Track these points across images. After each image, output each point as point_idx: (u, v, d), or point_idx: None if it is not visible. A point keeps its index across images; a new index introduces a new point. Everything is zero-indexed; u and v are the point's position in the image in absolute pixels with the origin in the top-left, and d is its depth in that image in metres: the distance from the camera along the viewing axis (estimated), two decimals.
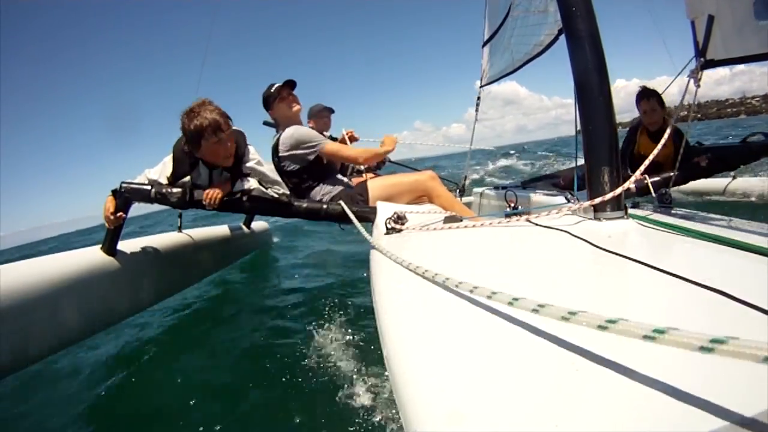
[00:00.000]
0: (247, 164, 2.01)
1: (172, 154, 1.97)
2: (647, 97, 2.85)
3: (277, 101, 2.29)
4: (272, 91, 2.30)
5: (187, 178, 1.97)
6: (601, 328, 0.40)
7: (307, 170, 2.20)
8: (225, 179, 1.98)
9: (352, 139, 2.81)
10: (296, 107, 2.32)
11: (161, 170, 1.98)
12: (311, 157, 2.17)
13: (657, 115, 2.86)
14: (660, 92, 2.83)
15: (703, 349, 0.32)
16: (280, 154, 2.21)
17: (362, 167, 2.77)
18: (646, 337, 0.36)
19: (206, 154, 1.90)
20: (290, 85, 2.33)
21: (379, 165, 3.09)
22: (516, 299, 0.50)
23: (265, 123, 2.44)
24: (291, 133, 2.18)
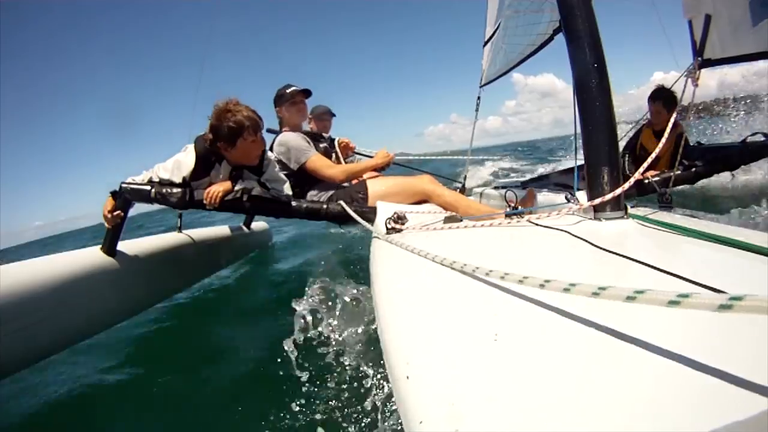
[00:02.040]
0: (267, 165, 2.05)
1: (194, 153, 1.94)
2: (655, 99, 2.94)
3: (289, 103, 2.38)
4: (287, 92, 2.38)
5: (207, 179, 1.97)
6: (630, 299, 0.42)
7: (295, 176, 2.25)
8: (225, 181, 1.97)
9: (348, 148, 2.79)
10: (302, 115, 2.42)
11: (174, 168, 1.94)
12: (295, 167, 2.23)
13: (662, 117, 2.93)
14: (673, 92, 2.85)
15: (722, 307, 0.35)
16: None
17: None
18: (671, 303, 0.39)
19: (238, 153, 1.90)
20: (305, 93, 2.41)
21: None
22: (548, 281, 0.52)
23: (269, 130, 2.46)
24: (283, 140, 2.26)
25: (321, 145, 2.54)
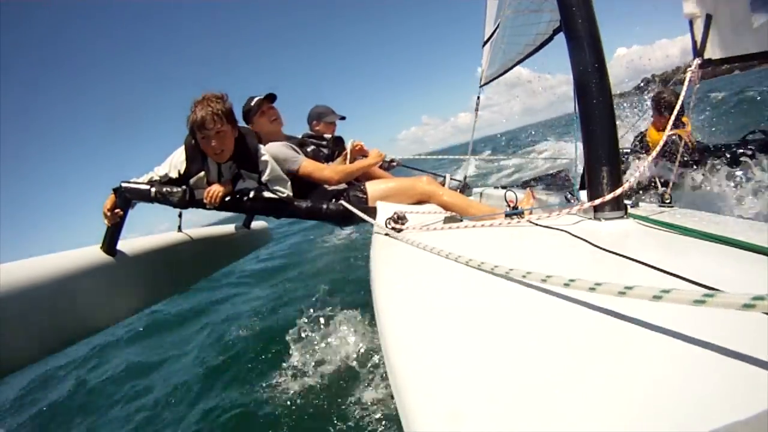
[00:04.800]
0: (261, 159, 2.01)
1: (183, 150, 1.96)
2: (654, 106, 3.09)
3: (258, 115, 2.30)
4: (252, 105, 2.30)
5: (202, 174, 1.96)
6: (656, 298, 0.43)
7: (292, 182, 2.19)
8: (225, 181, 1.97)
9: (361, 152, 2.70)
10: (276, 121, 2.33)
11: (170, 164, 1.96)
12: (288, 178, 2.17)
13: (656, 119, 3.08)
14: (671, 100, 2.90)
15: (746, 306, 0.36)
16: None
17: None
18: (696, 302, 0.39)
19: (204, 149, 1.90)
20: (270, 98, 2.33)
21: (389, 167, 3.08)
22: (573, 280, 0.52)
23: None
24: (268, 152, 2.19)
25: (309, 149, 2.50)
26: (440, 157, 4.29)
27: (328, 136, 2.72)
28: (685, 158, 2.69)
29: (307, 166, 2.20)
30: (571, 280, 0.52)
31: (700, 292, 0.39)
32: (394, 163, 3.16)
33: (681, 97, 1.54)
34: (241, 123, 2.37)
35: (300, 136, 2.66)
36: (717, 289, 0.54)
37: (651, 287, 0.43)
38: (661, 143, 1.22)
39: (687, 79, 1.58)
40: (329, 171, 2.23)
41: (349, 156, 2.56)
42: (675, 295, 0.41)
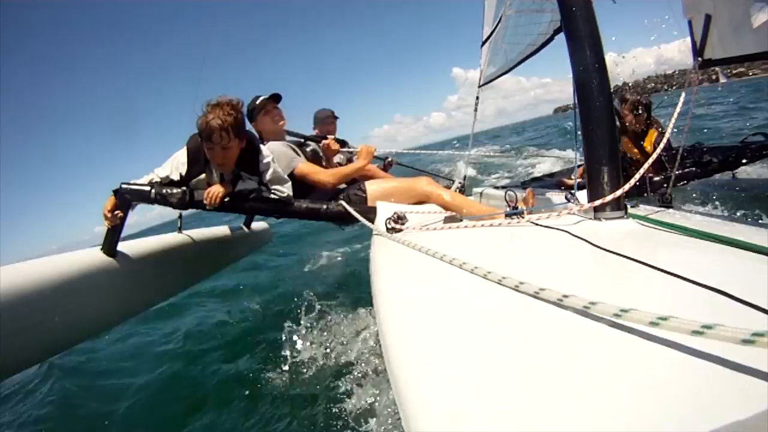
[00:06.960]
0: (264, 161, 2.00)
1: (186, 152, 1.94)
2: (623, 103, 3.01)
3: (262, 114, 2.31)
4: (257, 103, 2.31)
5: (203, 176, 1.94)
6: (653, 324, 0.42)
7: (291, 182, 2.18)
8: (225, 182, 1.96)
9: (329, 150, 2.68)
10: (281, 122, 2.33)
11: (171, 165, 1.95)
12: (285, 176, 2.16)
13: (628, 119, 2.99)
14: (639, 97, 2.90)
15: (745, 341, 0.35)
16: None
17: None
18: (694, 333, 0.39)
19: (209, 156, 1.89)
20: (275, 98, 2.33)
21: (386, 167, 3.10)
22: (566, 296, 0.52)
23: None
24: (267, 152, 2.18)
25: (308, 149, 2.49)
26: (436, 151, 4.30)
27: (330, 137, 2.74)
28: (665, 156, 2.67)
29: (303, 168, 2.20)
30: (565, 296, 0.52)
31: (698, 324, 0.39)
32: (389, 160, 3.18)
33: (680, 101, 1.54)
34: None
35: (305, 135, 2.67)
36: (722, 292, 0.54)
37: (648, 313, 0.43)
38: (660, 148, 1.22)
39: (685, 81, 1.58)
40: (324, 175, 2.21)
41: (322, 155, 2.52)
42: (672, 324, 0.41)
